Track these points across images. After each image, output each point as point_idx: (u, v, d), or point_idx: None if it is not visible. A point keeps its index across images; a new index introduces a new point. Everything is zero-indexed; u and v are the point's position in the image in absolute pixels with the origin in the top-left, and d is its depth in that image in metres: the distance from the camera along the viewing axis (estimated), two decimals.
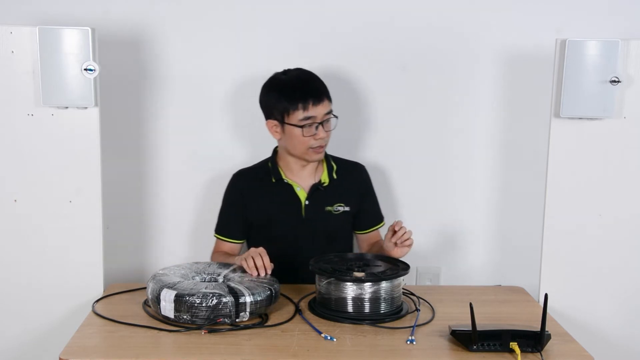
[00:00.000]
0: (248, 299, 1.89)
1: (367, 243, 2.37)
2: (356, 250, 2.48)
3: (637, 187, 2.22)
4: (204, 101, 2.50)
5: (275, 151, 2.32)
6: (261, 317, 1.95)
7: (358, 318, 1.94)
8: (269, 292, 1.94)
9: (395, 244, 2.10)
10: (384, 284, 1.95)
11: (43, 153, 2.15)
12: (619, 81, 2.11)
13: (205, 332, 1.84)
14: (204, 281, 2.04)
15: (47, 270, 2.19)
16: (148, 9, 2.43)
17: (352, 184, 2.32)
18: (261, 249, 2.08)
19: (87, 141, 2.14)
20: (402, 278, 2.02)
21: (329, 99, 2.20)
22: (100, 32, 2.17)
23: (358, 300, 1.95)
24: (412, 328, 1.90)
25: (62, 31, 2.06)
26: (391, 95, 2.52)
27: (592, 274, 2.25)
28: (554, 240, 2.23)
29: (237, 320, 1.89)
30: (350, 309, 1.96)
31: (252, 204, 2.27)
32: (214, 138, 2.52)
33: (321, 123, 2.16)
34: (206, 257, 2.48)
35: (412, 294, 2.16)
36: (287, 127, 2.17)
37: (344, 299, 1.95)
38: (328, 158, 2.32)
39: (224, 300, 1.86)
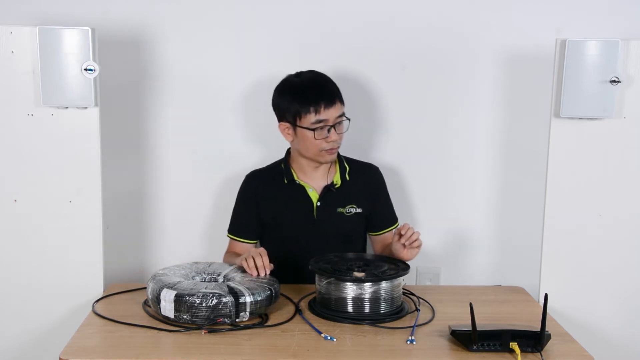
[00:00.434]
0: (248, 299, 1.89)
1: (380, 244, 2.35)
2: (369, 252, 2.48)
3: (637, 187, 2.22)
4: (204, 101, 2.50)
5: (288, 152, 2.32)
6: (261, 317, 1.95)
7: (358, 318, 1.94)
8: (269, 292, 1.94)
9: (404, 245, 2.09)
10: (384, 284, 1.95)
11: (43, 153, 2.15)
12: (619, 81, 2.11)
13: (205, 332, 1.84)
14: (204, 281, 2.04)
15: (47, 270, 2.19)
16: (148, 9, 2.43)
17: (364, 185, 2.31)
18: (261, 249, 2.08)
19: (87, 141, 2.14)
20: (402, 278, 2.02)
21: (342, 102, 2.19)
22: (100, 32, 2.18)
23: (358, 300, 1.95)
24: (412, 328, 1.90)
25: (62, 31, 2.06)
26: (391, 95, 2.51)
27: (592, 274, 2.25)
28: (554, 240, 2.23)
29: (237, 320, 1.89)
30: (350, 309, 1.96)
31: (264, 204, 2.27)
32: (213, 138, 2.52)
33: (333, 126, 2.16)
34: (206, 257, 2.49)
35: (412, 294, 2.16)
36: (299, 130, 2.17)
37: (344, 299, 1.95)
38: (341, 159, 2.31)
39: (224, 300, 1.86)
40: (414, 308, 2.05)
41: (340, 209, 2.26)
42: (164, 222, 2.55)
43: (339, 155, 2.30)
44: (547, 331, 1.79)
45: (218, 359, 1.72)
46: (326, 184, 2.27)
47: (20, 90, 2.11)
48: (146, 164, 2.52)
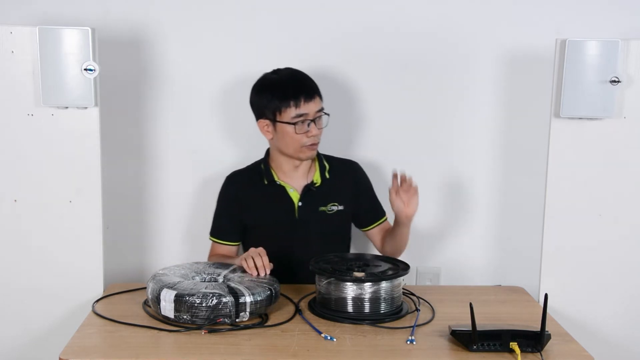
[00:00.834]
0: (248, 299, 1.89)
1: (380, 236, 2.34)
2: (359, 249, 2.49)
3: (637, 187, 2.22)
4: (204, 101, 2.50)
5: (267, 153, 2.32)
6: (261, 317, 1.95)
7: (358, 318, 1.94)
8: (269, 292, 1.94)
9: (403, 202, 2.11)
10: (384, 284, 1.95)
11: (43, 153, 2.15)
12: (619, 81, 2.11)
13: (205, 332, 1.84)
14: (204, 281, 2.04)
15: (47, 270, 2.19)
16: (148, 9, 2.43)
17: (345, 182, 2.31)
18: (260, 249, 2.08)
19: (87, 141, 2.14)
20: (402, 278, 2.02)
21: (320, 97, 2.20)
22: (100, 32, 2.18)
23: (358, 300, 1.95)
24: (412, 328, 1.90)
25: (62, 31, 2.06)
26: (391, 95, 2.52)
27: (592, 274, 2.25)
28: (554, 240, 2.23)
29: (237, 320, 1.89)
30: (350, 309, 1.96)
31: (246, 205, 2.27)
32: (214, 138, 2.52)
33: (313, 120, 2.16)
34: (206, 257, 2.48)
35: (412, 294, 2.16)
36: (279, 125, 2.16)
37: (344, 299, 1.95)
38: (320, 158, 2.31)
39: (224, 300, 1.86)
40: (414, 308, 2.05)
41: (322, 208, 2.26)
42: (164, 222, 2.55)
43: (318, 154, 2.30)
44: (547, 331, 1.79)
45: (218, 359, 1.72)
46: (306, 183, 2.26)
47: (20, 90, 2.11)
48: (146, 164, 2.52)
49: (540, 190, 2.25)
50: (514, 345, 1.75)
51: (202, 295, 1.85)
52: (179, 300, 1.86)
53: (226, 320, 1.87)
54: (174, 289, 1.89)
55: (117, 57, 2.42)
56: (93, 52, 2.07)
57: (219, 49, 2.47)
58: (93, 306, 2.05)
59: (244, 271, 2.07)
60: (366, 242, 2.50)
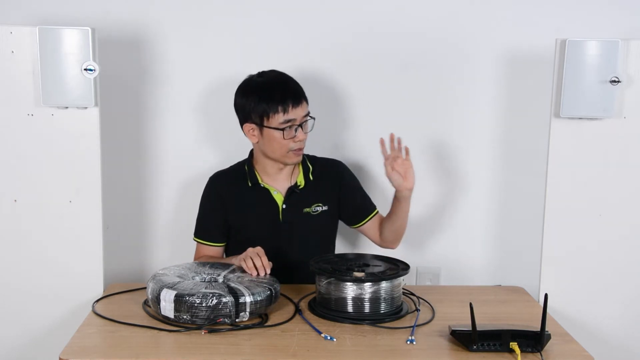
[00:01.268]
0: (248, 299, 1.89)
1: (374, 230, 2.33)
2: (349, 247, 2.48)
3: (637, 187, 2.22)
4: (204, 101, 2.50)
5: (251, 154, 2.30)
6: (261, 317, 1.95)
7: (358, 318, 1.94)
8: (269, 292, 1.94)
9: (401, 175, 2.14)
10: (384, 284, 1.95)
11: (43, 153, 2.15)
12: (619, 81, 2.11)
13: (205, 332, 1.84)
14: (204, 281, 2.04)
15: (47, 270, 2.19)
16: (148, 9, 2.43)
17: (330, 182, 2.29)
18: (259, 249, 2.07)
19: (87, 141, 2.14)
20: (402, 278, 2.02)
21: (307, 101, 2.18)
22: (100, 32, 2.17)
23: (358, 300, 1.95)
24: (412, 328, 1.90)
25: (62, 31, 2.06)
26: (391, 96, 2.51)
27: (592, 274, 2.25)
28: (554, 240, 2.23)
29: (237, 320, 1.89)
30: (350, 309, 1.96)
31: (230, 207, 2.26)
32: (214, 138, 2.52)
33: (300, 125, 2.15)
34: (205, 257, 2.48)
35: (412, 294, 2.16)
36: (266, 130, 2.15)
37: (344, 299, 1.95)
38: (304, 159, 2.29)
39: (224, 300, 1.86)
40: (414, 308, 2.05)
41: (307, 209, 2.25)
42: (164, 222, 2.56)
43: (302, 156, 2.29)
44: (547, 331, 1.79)
45: (218, 359, 1.72)
46: (290, 185, 2.25)
47: (20, 90, 2.11)
48: (146, 164, 2.52)
49: (540, 190, 2.25)
50: (514, 345, 1.75)
51: (202, 295, 1.85)
52: (179, 300, 1.86)
53: (226, 320, 1.87)
54: (174, 289, 1.89)
55: (117, 57, 2.42)
56: (93, 52, 2.07)
57: (219, 49, 2.47)
58: (93, 306, 2.05)
59: (243, 271, 2.06)
60: (355, 239, 2.50)
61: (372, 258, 2.14)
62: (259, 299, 1.90)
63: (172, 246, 2.56)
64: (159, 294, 1.90)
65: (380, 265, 2.06)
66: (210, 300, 1.85)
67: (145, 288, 2.01)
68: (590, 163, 2.20)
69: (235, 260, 2.13)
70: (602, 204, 2.22)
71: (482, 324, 1.78)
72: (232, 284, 1.94)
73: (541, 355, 1.75)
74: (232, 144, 2.52)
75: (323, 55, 2.45)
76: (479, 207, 2.58)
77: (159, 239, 2.56)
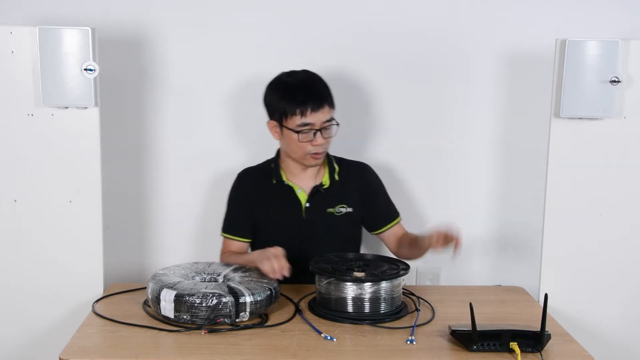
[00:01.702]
0: (248, 299, 1.89)
1: (393, 239, 2.31)
2: (371, 252, 2.47)
3: (637, 187, 2.22)
4: (204, 101, 2.50)
5: (278, 152, 2.31)
6: (261, 317, 1.95)
7: (358, 318, 1.94)
8: (269, 292, 1.94)
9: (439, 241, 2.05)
10: (384, 284, 1.95)
11: (43, 153, 2.15)
12: (619, 81, 2.11)
13: (205, 332, 1.84)
14: (204, 281, 2.04)
15: (47, 270, 2.19)
16: (148, 9, 2.43)
17: (355, 185, 2.29)
18: (277, 250, 2.04)
19: (87, 141, 2.14)
20: (402, 278, 2.02)
21: (331, 106, 2.17)
22: (100, 32, 2.17)
23: (358, 300, 1.95)
24: (412, 328, 1.90)
25: (62, 31, 2.06)
26: (391, 96, 2.52)
27: (592, 274, 2.25)
28: (554, 240, 2.23)
29: (237, 320, 1.89)
30: (350, 309, 1.95)
31: (255, 203, 2.27)
32: (214, 138, 2.52)
33: (320, 130, 2.14)
34: (206, 257, 2.48)
35: (412, 294, 2.15)
36: (284, 130, 2.16)
37: (344, 299, 1.95)
38: (330, 159, 2.30)
39: (224, 300, 1.86)
40: (414, 308, 2.05)
41: (330, 210, 2.25)
42: (164, 222, 2.56)
43: (328, 156, 2.29)
44: (547, 331, 1.79)
45: (218, 359, 1.72)
46: (315, 184, 2.26)
47: (20, 90, 2.11)
48: (146, 164, 2.52)
49: (540, 190, 2.25)
50: (514, 345, 1.75)
51: (202, 295, 1.85)
52: (179, 300, 1.86)
53: (226, 320, 1.87)
54: (174, 289, 1.89)
55: (117, 57, 2.42)
56: (93, 52, 2.07)
57: (219, 49, 2.47)
58: (93, 306, 2.05)
59: (245, 270, 2.06)
60: (378, 244, 2.49)
61: (372, 258, 2.14)
62: (259, 299, 1.90)
63: (172, 246, 2.56)
64: (159, 294, 1.90)
65: (380, 265, 2.06)
66: (210, 300, 1.85)
67: (145, 288, 2.01)
68: (590, 163, 2.20)
69: (254, 257, 2.10)
70: (602, 204, 2.22)
71: (482, 324, 1.77)
72: (232, 284, 1.94)
73: (541, 355, 1.75)
74: (233, 144, 2.53)
75: (323, 55, 2.45)
76: (479, 207, 2.58)
77: (159, 239, 2.56)
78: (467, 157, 2.56)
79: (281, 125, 2.16)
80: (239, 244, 2.29)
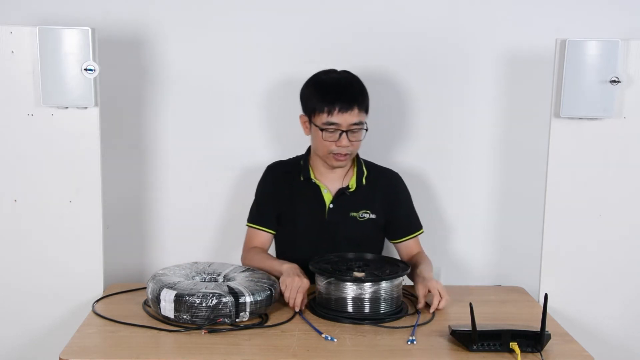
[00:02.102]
0: (248, 299, 1.89)
1: (405, 253, 2.30)
2: None
3: (637, 187, 2.22)
4: (204, 101, 2.50)
5: (308, 149, 2.30)
6: (261, 317, 1.95)
7: (358, 318, 1.94)
8: (269, 292, 1.94)
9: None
10: (384, 284, 1.95)
11: (43, 153, 2.15)
12: (619, 81, 2.11)
13: (205, 332, 1.84)
14: (204, 281, 2.04)
15: (47, 270, 2.19)
16: (148, 9, 2.43)
17: (381, 191, 2.27)
18: (303, 283, 1.99)
19: (87, 141, 2.14)
20: (402, 278, 2.02)
21: (362, 109, 2.15)
22: (100, 32, 2.17)
23: (358, 300, 1.95)
24: (413, 327, 1.90)
25: (62, 31, 2.06)
26: (391, 96, 2.52)
27: (592, 274, 2.25)
28: (554, 240, 2.23)
29: (237, 320, 1.89)
30: (350, 309, 1.95)
31: (280, 197, 2.26)
32: (213, 138, 2.52)
33: (346, 132, 2.13)
34: (206, 257, 2.49)
35: (413, 294, 2.15)
36: (313, 126, 2.17)
37: (344, 299, 1.95)
38: (361, 163, 2.28)
39: (224, 300, 1.86)
40: (414, 308, 2.05)
41: (354, 214, 2.24)
42: (164, 222, 2.55)
43: (358, 159, 2.28)
44: (547, 331, 1.79)
45: (218, 359, 1.72)
46: (341, 186, 2.25)
47: (20, 90, 2.11)
48: (146, 163, 2.52)
49: (540, 190, 2.25)
50: (514, 345, 1.75)
51: (202, 295, 1.85)
52: (179, 300, 1.86)
53: (226, 320, 1.87)
54: (174, 289, 1.89)
55: (117, 57, 2.42)
56: (93, 52, 2.07)
57: (219, 49, 2.47)
58: (93, 306, 2.05)
59: (244, 271, 2.06)
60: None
61: (372, 258, 2.14)
62: (259, 299, 1.90)
63: (172, 246, 2.56)
64: (159, 294, 1.90)
65: (381, 265, 2.06)
66: (210, 300, 1.85)
67: (145, 288, 2.01)
68: (590, 163, 2.20)
69: (281, 269, 2.06)
70: (602, 204, 2.22)
71: (482, 324, 1.78)
72: (232, 284, 1.94)
73: (541, 355, 1.75)
74: (233, 144, 2.53)
75: (323, 55, 2.45)
76: (479, 207, 2.58)
77: (159, 239, 2.56)
78: (467, 157, 2.56)
79: (310, 121, 2.17)
80: (264, 234, 2.27)
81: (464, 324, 1.80)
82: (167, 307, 1.88)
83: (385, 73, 2.50)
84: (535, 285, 2.27)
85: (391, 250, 2.40)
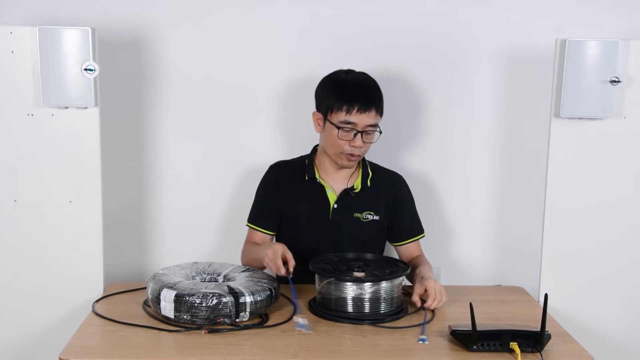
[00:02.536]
0: (248, 299, 1.89)
1: (406, 256, 2.30)
2: None
3: (637, 187, 2.22)
4: (204, 101, 2.50)
5: (314, 149, 2.30)
6: (261, 317, 1.95)
7: (358, 318, 1.94)
8: (269, 292, 1.94)
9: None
10: (384, 284, 1.95)
11: (43, 153, 2.15)
12: (619, 81, 2.11)
13: (205, 332, 1.84)
14: (204, 281, 2.04)
15: (47, 270, 2.19)
16: (148, 9, 2.43)
17: (385, 193, 2.27)
18: (279, 248, 2.02)
19: (87, 141, 2.14)
20: (402, 278, 2.02)
21: (379, 112, 2.15)
22: (100, 32, 2.17)
23: (358, 300, 1.95)
24: (422, 326, 1.90)
25: (62, 31, 2.06)
26: (391, 96, 2.51)
27: (592, 274, 2.25)
28: (554, 240, 2.23)
29: (237, 320, 1.89)
30: (350, 309, 1.95)
31: (283, 196, 2.26)
32: (213, 138, 2.52)
33: (361, 132, 2.13)
34: (206, 257, 2.49)
35: (412, 294, 2.15)
36: (327, 124, 2.16)
37: (344, 299, 1.95)
38: (366, 165, 2.29)
39: (224, 300, 1.86)
40: (414, 309, 2.05)
41: (357, 214, 2.24)
42: (164, 222, 2.56)
43: (364, 161, 2.28)
44: (547, 331, 1.79)
45: (218, 359, 1.72)
46: (346, 187, 2.25)
47: (20, 90, 2.11)
48: (146, 163, 2.52)
49: (541, 190, 2.25)
50: (514, 345, 1.75)
51: (202, 295, 1.85)
52: (179, 300, 1.86)
53: (226, 320, 1.87)
54: (174, 289, 1.89)
55: (117, 57, 2.42)
56: (93, 52, 2.07)
57: (219, 48, 2.47)
58: (93, 306, 2.05)
59: (245, 270, 2.06)
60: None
61: (372, 258, 2.14)
62: (259, 299, 1.90)
63: (172, 246, 2.56)
64: (159, 294, 1.90)
65: (381, 265, 2.06)
66: (210, 300, 1.85)
67: (145, 288, 2.01)
68: (590, 163, 2.20)
69: (255, 251, 2.14)
70: (602, 204, 2.22)
71: (482, 324, 1.78)
72: (232, 284, 1.94)
73: (541, 355, 1.75)
74: (233, 144, 2.53)
75: (323, 55, 2.45)
76: (479, 207, 2.59)
77: (159, 238, 2.56)
78: (466, 156, 2.56)
79: (325, 119, 2.16)
80: (263, 235, 2.28)
81: (464, 324, 1.80)
82: (167, 307, 1.88)
83: (385, 73, 2.49)
84: (535, 285, 2.27)
85: (391, 251, 2.40)
